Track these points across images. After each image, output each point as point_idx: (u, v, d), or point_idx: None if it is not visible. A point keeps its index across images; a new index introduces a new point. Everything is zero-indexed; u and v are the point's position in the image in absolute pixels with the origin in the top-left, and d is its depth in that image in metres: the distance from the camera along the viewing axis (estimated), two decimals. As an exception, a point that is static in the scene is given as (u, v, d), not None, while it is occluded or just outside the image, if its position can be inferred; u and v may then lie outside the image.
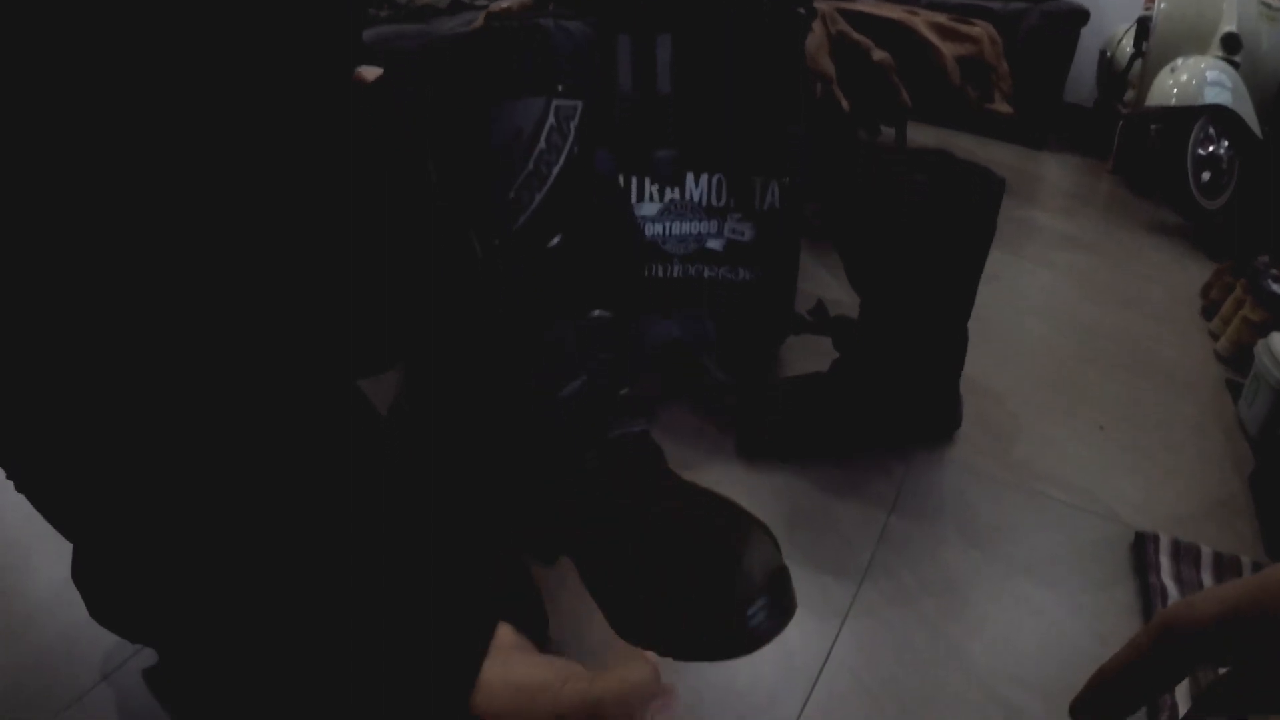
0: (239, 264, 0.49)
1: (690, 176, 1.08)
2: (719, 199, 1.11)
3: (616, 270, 0.61)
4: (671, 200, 1.09)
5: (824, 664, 0.92)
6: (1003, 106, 2.21)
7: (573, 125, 0.56)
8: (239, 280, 0.49)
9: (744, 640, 0.54)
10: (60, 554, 0.73)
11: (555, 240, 0.56)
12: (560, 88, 0.55)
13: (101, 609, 0.74)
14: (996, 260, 1.98)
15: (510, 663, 0.47)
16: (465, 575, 0.48)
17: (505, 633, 0.48)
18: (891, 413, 1.24)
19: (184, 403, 0.44)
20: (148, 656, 0.83)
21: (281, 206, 0.53)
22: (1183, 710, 0.86)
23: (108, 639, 0.82)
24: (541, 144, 0.55)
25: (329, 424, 0.50)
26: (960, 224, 1.10)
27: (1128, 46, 2.92)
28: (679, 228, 1.11)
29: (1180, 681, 0.36)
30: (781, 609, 0.54)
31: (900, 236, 1.09)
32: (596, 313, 0.57)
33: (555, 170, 0.56)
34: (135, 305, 0.43)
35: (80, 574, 0.75)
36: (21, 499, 0.50)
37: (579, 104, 0.56)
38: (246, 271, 0.49)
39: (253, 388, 0.46)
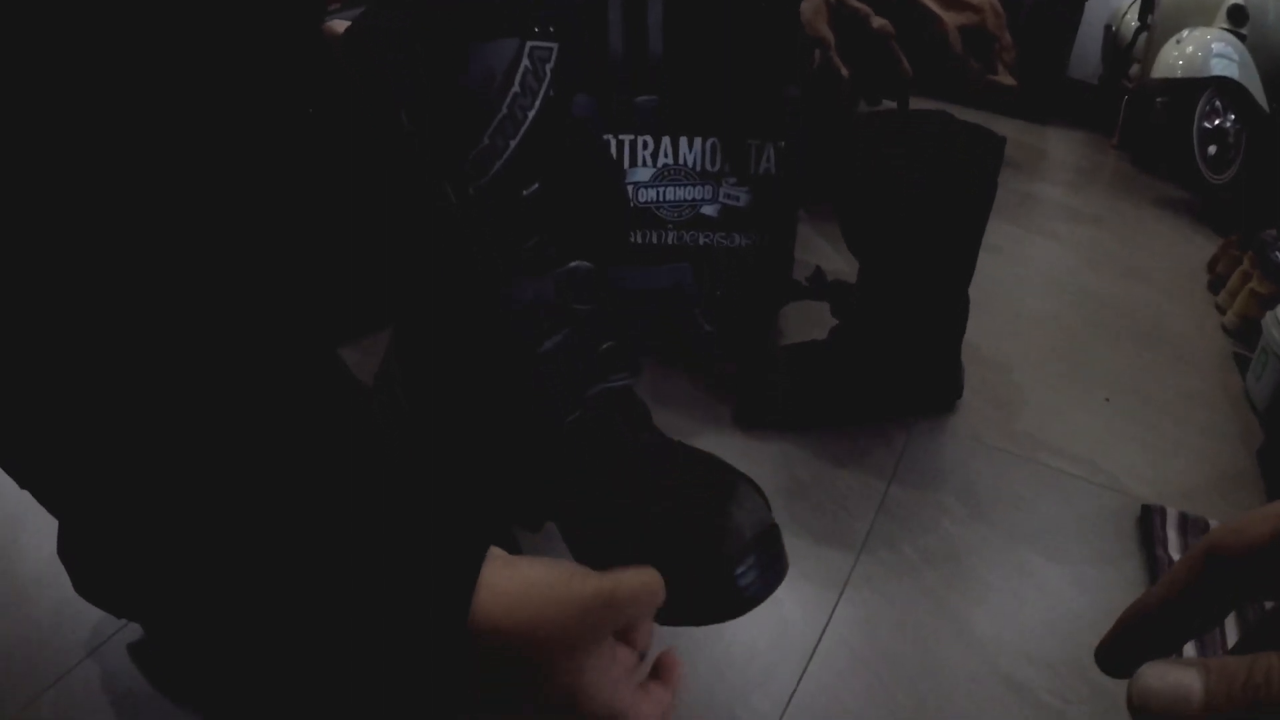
0: (210, 224, 0.47)
1: (684, 140, 1.06)
2: (713, 163, 1.09)
3: (598, 218, 0.59)
4: (665, 165, 1.07)
5: (821, 637, 0.90)
6: (1005, 78, 2.18)
7: (548, 68, 0.54)
8: (213, 241, 0.47)
9: (734, 601, 0.52)
10: (50, 530, 0.72)
11: (532, 188, 0.54)
12: (536, 29, 0.53)
13: (87, 584, 0.73)
14: (1000, 232, 1.97)
15: (515, 563, 0.45)
16: (453, 514, 0.46)
17: (500, 550, 0.46)
18: (891, 380, 1.22)
19: (165, 368, 0.42)
20: (134, 631, 0.82)
21: (253, 163, 0.52)
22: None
23: (95, 614, 0.81)
24: (515, 88, 0.53)
25: (312, 390, 0.49)
26: (961, 184, 1.07)
27: (1133, 20, 2.88)
28: (673, 193, 1.10)
29: (1225, 616, 0.32)
30: (772, 568, 0.52)
31: (899, 197, 1.07)
32: (575, 263, 0.55)
33: (530, 115, 0.53)
34: (110, 271, 0.41)
35: (65, 549, 0.74)
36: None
37: (555, 46, 0.54)
38: (220, 231, 0.48)
39: (234, 351, 0.44)
